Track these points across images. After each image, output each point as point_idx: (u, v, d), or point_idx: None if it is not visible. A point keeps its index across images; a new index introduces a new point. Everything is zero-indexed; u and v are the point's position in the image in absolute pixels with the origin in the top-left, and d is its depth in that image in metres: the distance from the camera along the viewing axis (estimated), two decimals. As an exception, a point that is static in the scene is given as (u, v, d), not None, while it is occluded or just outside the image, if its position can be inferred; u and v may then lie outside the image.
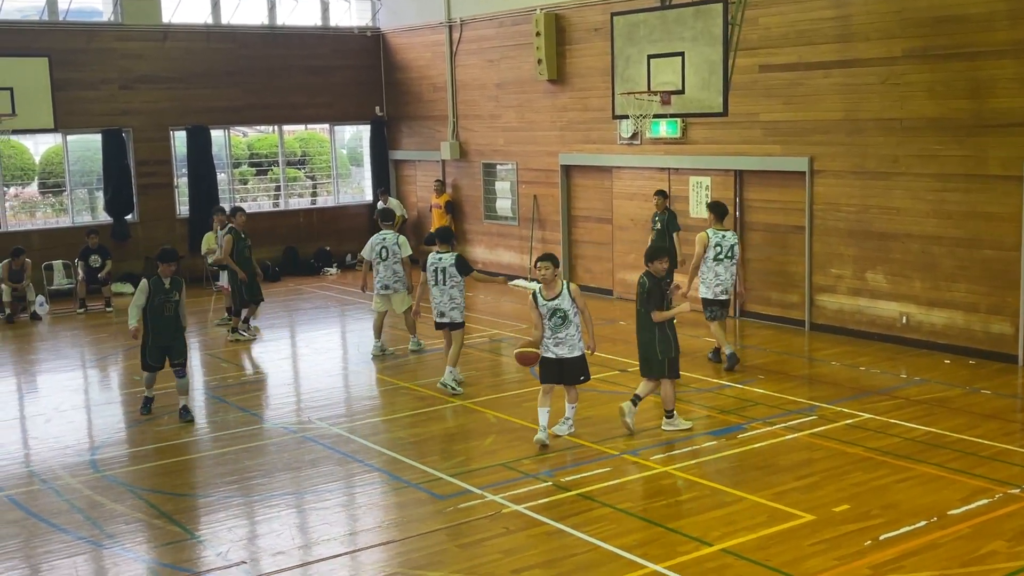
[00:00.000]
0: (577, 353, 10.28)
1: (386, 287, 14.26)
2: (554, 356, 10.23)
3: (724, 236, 13.04)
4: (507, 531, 8.20)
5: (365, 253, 14.53)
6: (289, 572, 7.63)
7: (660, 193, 15.80)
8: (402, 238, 14.46)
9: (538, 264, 10.20)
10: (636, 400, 10.55)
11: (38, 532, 8.48)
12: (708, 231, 13.12)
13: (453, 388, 12.26)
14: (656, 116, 14.58)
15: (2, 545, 8.24)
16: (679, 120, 16.45)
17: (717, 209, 13.25)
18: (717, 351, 13.35)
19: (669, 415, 10.58)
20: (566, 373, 10.30)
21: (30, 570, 7.83)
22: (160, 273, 11.45)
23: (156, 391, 11.96)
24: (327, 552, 7.97)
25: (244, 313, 15.97)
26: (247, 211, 16.51)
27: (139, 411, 11.84)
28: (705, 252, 13.00)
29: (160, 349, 11.54)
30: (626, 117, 14.97)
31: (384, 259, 14.20)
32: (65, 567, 7.79)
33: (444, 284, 12.50)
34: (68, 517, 8.75)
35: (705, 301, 13.15)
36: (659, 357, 10.41)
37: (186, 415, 11.58)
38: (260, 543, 8.22)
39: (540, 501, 8.76)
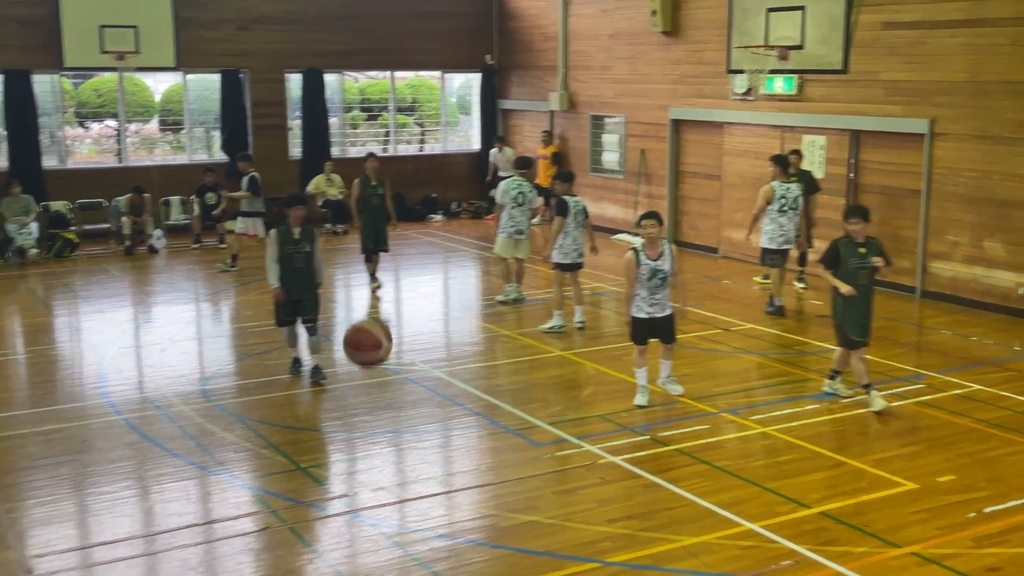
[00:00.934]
0: (669, 312, 10.18)
1: (520, 232, 14.25)
2: (646, 316, 10.07)
3: (788, 188, 13.55)
4: (603, 481, 8.26)
5: (498, 198, 14.31)
6: (387, 508, 7.82)
7: (795, 153, 15.07)
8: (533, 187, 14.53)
9: (643, 222, 10.00)
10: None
11: (152, 455, 8.84)
12: (773, 184, 13.55)
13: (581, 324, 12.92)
14: (772, 72, 14.31)
15: (119, 466, 8.63)
16: (795, 76, 16.08)
17: (781, 162, 13.75)
18: (772, 299, 13.82)
19: (831, 376, 10.39)
20: (661, 331, 10.20)
21: (144, 491, 8.19)
22: (289, 221, 10.52)
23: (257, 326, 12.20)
24: (425, 491, 8.14)
25: (369, 267, 15.47)
26: (376, 155, 15.61)
27: (288, 371, 11.06)
28: (769, 204, 13.53)
29: (292, 303, 10.72)
30: (741, 72, 14.75)
31: (520, 204, 14.21)
32: (176, 490, 8.13)
33: (582, 227, 12.85)
34: (180, 443, 9.11)
35: (767, 251, 13.71)
36: (834, 321, 10.24)
37: (318, 375, 10.83)
38: (361, 478, 8.44)
39: (637, 454, 8.79)
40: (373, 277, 15.49)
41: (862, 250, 9.66)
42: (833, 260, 9.83)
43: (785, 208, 13.46)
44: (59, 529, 7.56)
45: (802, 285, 15.00)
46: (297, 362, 11.08)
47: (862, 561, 6.85)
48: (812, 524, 7.43)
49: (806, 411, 9.96)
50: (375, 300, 15.02)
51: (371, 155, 15.55)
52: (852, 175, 15.61)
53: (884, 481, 8.19)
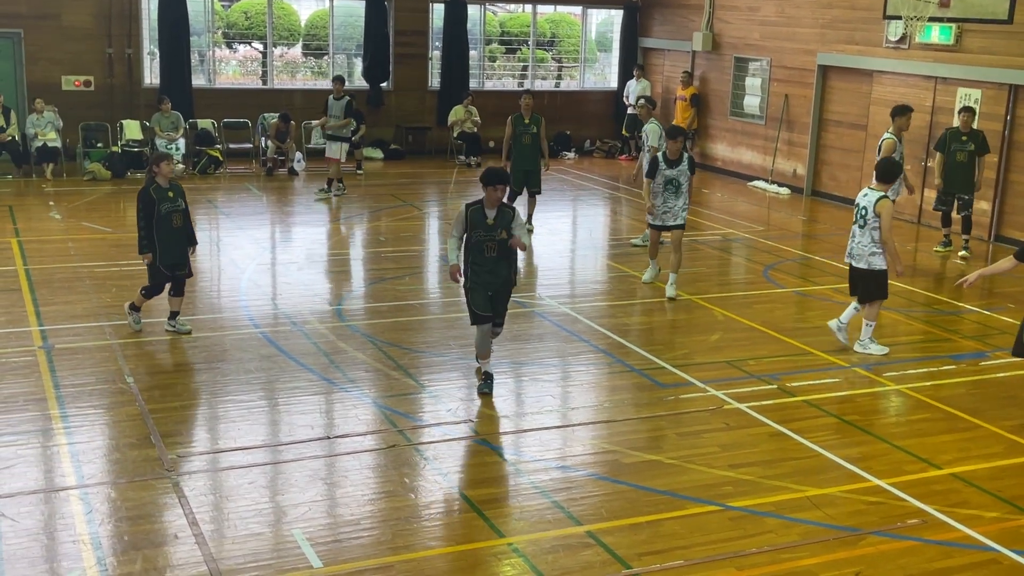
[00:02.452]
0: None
1: None
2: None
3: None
4: (727, 427, 8.20)
5: (652, 140, 13.83)
6: (509, 436, 7.95)
7: (967, 110, 14.11)
8: (650, 127, 14.22)
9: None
10: None
11: (287, 368, 9.14)
12: (894, 137, 13.19)
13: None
14: (931, 19, 13.69)
15: (255, 376, 8.95)
16: (954, 26, 15.36)
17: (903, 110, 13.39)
18: None
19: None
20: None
21: (277, 402, 8.48)
22: (485, 202, 8.45)
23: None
24: (548, 422, 8.22)
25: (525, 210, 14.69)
26: (531, 92, 15.21)
27: (478, 389, 8.75)
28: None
29: (483, 291, 8.61)
30: (898, 18, 14.13)
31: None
32: (309, 403, 8.40)
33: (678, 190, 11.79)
34: (314, 359, 9.38)
35: None
36: None
37: (485, 387, 8.74)
38: (488, 405, 8.56)
39: (763, 402, 8.69)
40: (528, 219, 14.84)
41: None
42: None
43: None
44: (197, 432, 7.92)
45: (964, 252, 14.11)
46: (489, 378, 8.81)
47: (993, 526, 6.66)
48: (942, 485, 7.26)
49: (943, 371, 9.67)
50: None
51: (527, 92, 15.02)
52: (1007, 132, 14.90)
53: (1020, 448, 7.92)
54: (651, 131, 13.95)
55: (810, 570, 6.08)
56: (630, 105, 21.80)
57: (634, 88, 21.84)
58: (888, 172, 9.90)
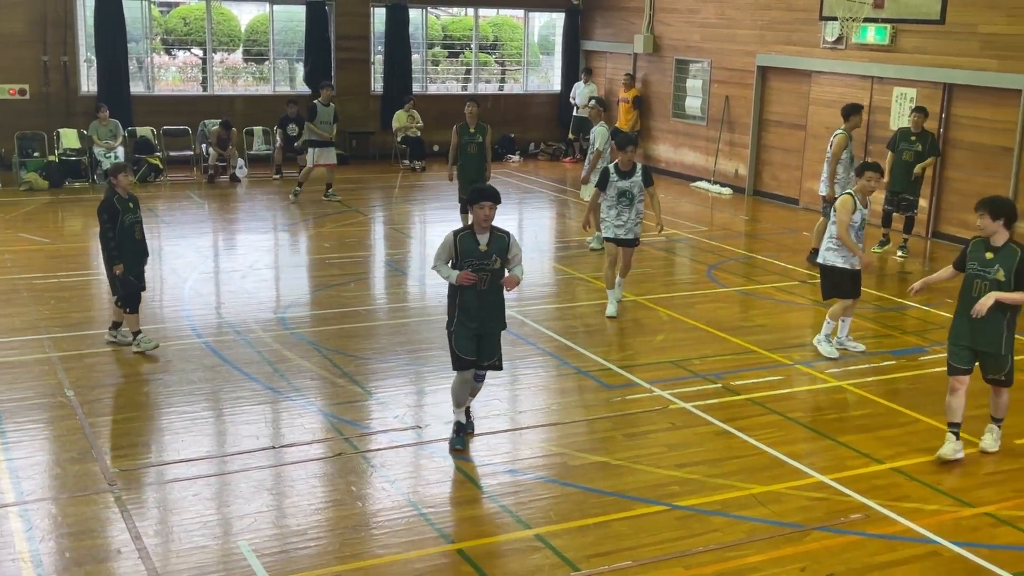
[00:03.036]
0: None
1: None
2: (851, 268, 9.83)
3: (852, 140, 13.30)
4: (673, 427, 8.26)
5: (599, 143, 13.85)
6: (459, 441, 7.92)
7: (920, 110, 14.05)
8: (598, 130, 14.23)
9: (868, 173, 9.71)
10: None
11: (231, 378, 9.04)
12: (846, 133, 13.15)
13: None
14: (866, 20, 13.90)
15: (199, 387, 8.85)
16: (888, 26, 15.63)
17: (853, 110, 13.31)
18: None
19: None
20: (855, 286, 9.99)
21: (222, 413, 8.39)
22: (475, 225, 7.55)
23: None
24: (495, 426, 8.22)
25: (464, 219, 13.82)
26: (476, 101, 14.30)
27: (450, 444, 7.78)
28: (842, 154, 13.09)
29: (470, 333, 7.59)
30: (834, 19, 14.33)
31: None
32: (254, 413, 8.32)
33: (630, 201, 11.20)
34: (259, 368, 9.30)
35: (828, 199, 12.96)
36: None
37: (459, 442, 7.78)
38: (432, 411, 8.54)
39: (708, 401, 8.77)
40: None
41: (989, 254, 7.54)
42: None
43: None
44: (140, 445, 7.80)
45: (901, 254, 14.22)
46: (461, 428, 7.90)
47: (934, 519, 6.78)
48: (884, 479, 7.37)
49: (884, 367, 9.82)
50: None
51: (471, 100, 14.51)
52: (942, 130, 15.19)
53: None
54: (599, 133, 13.96)
55: (756, 567, 6.15)
56: (577, 107, 21.92)
57: (581, 91, 21.93)
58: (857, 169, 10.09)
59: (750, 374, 9.48)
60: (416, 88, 22.17)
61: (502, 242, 7.59)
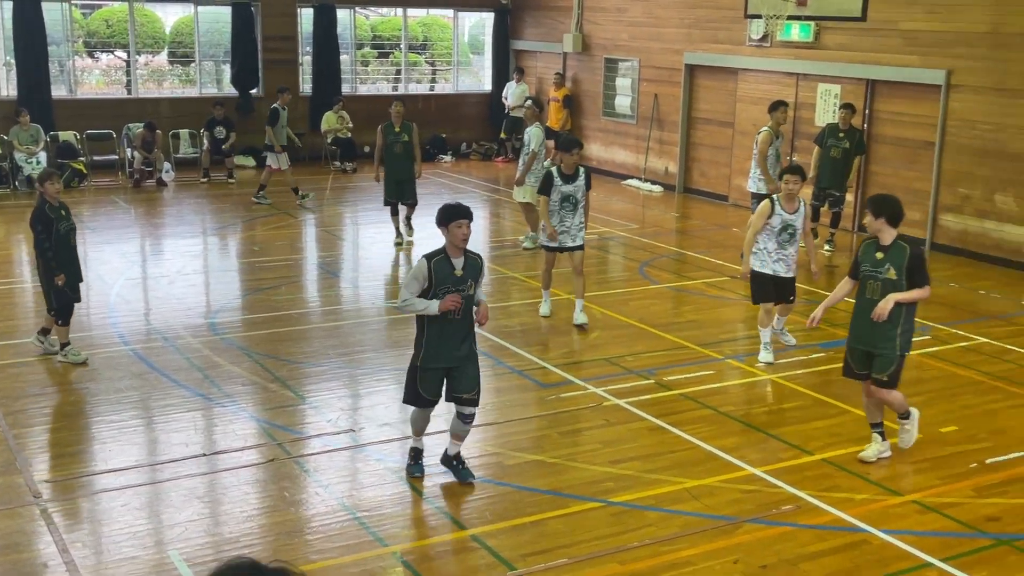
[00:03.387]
0: (793, 273, 9.79)
1: None
2: (772, 273, 9.60)
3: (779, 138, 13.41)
4: (607, 423, 8.31)
5: (533, 144, 13.71)
6: (393, 443, 7.87)
7: (848, 107, 14.13)
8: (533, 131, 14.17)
9: (785, 176, 9.55)
10: None
11: (159, 386, 8.89)
12: (770, 130, 13.27)
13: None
14: (790, 17, 14.11)
15: (126, 395, 8.68)
16: (812, 24, 15.89)
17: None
18: None
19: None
20: (781, 291, 9.79)
21: (152, 421, 8.24)
22: (448, 248, 6.89)
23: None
24: (431, 428, 8.17)
25: (395, 220, 14.33)
26: (402, 100, 14.48)
27: (408, 471, 7.30)
28: (768, 150, 13.23)
29: (439, 371, 6.96)
30: (759, 17, 14.52)
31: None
32: (183, 420, 8.18)
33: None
34: (187, 374, 9.15)
35: (758, 196, 13.03)
36: None
37: (416, 470, 7.28)
38: (367, 414, 8.49)
39: (642, 397, 8.83)
40: (398, 232, 14.31)
41: (879, 254, 7.49)
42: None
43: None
44: (66, 456, 7.63)
45: (828, 248, 14.37)
46: (418, 455, 7.37)
47: (863, 508, 6.90)
48: (814, 471, 7.48)
49: (813, 359, 9.98)
50: (398, 254, 14.13)
51: (397, 99, 14.53)
52: (866, 125, 15.48)
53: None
54: (534, 135, 13.80)
55: (690, 561, 6.20)
56: (509, 108, 21.93)
57: (513, 90, 21.95)
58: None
59: (682, 369, 9.57)
60: (346, 89, 22.03)
61: (476, 265, 6.94)
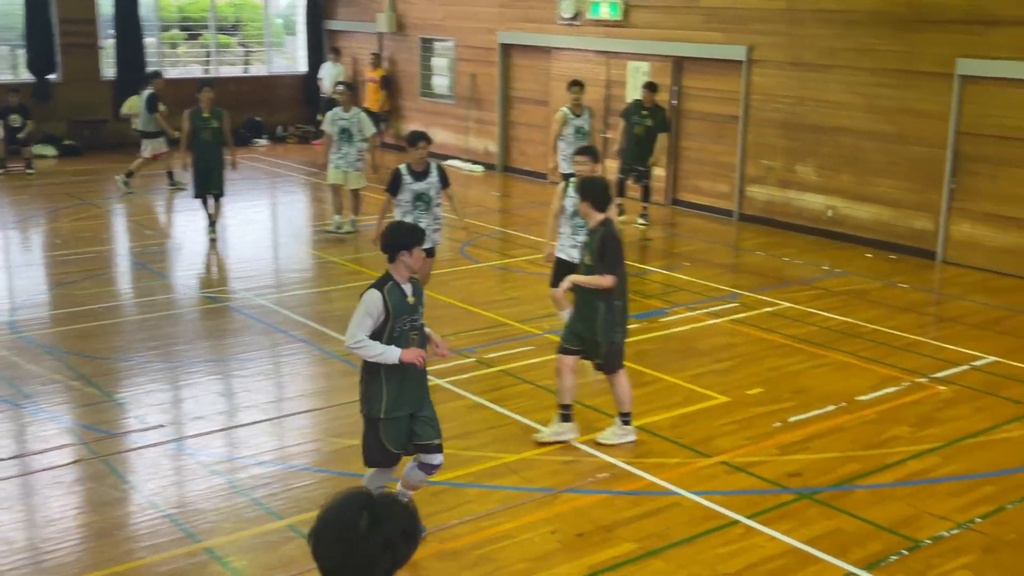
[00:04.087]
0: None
1: (350, 164, 13.84)
2: (567, 259, 9.18)
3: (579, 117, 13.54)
4: (428, 403, 8.27)
5: (326, 127, 13.68)
6: (209, 436, 7.64)
7: (649, 86, 14.34)
8: (362, 115, 14.00)
9: (576, 157, 9.23)
10: None
11: (-48, 390, 8.37)
12: (565, 110, 13.55)
13: None
14: (598, -4, 14.34)
15: (-86, 402, 8.13)
16: (621, 2, 16.21)
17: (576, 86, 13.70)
18: None
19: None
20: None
21: (-57, 427, 7.75)
22: (396, 273, 5.93)
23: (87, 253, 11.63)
24: (248, 418, 7.99)
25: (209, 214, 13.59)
26: (211, 86, 13.66)
27: None
28: (562, 130, 13.53)
29: (405, 419, 6.02)
30: (568, -5, 14.70)
31: (348, 139, 13.64)
32: (-21, 425, 7.73)
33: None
34: (-17, 376, 8.64)
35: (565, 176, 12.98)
36: None
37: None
38: (180, 408, 8.22)
39: (463, 376, 8.84)
40: (211, 225, 13.59)
41: (586, 238, 7.52)
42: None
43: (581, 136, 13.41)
44: None
45: (642, 222, 14.59)
46: None
47: (675, 471, 7.11)
48: (629, 438, 7.66)
49: (628, 330, 10.18)
50: (212, 247, 13.41)
51: (205, 85, 13.69)
52: (675, 101, 15.92)
53: (698, 395, 8.51)
54: (363, 120, 13.76)
55: (509, 534, 6.25)
56: (327, 91, 21.51)
57: (330, 72, 21.55)
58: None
59: (503, 346, 9.64)
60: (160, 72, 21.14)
61: (420, 288, 6.08)
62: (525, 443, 7.54)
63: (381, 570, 2.55)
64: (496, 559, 5.98)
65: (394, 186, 9.74)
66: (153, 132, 16.59)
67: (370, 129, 13.86)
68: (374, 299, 5.81)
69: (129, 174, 16.46)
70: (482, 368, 9.07)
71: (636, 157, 14.38)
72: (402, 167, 9.81)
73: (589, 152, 9.08)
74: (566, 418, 7.59)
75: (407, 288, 5.92)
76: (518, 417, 8.01)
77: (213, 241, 13.53)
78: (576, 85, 13.66)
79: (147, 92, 16.63)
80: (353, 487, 2.70)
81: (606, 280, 7.17)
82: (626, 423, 7.57)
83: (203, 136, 13.37)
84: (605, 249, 7.18)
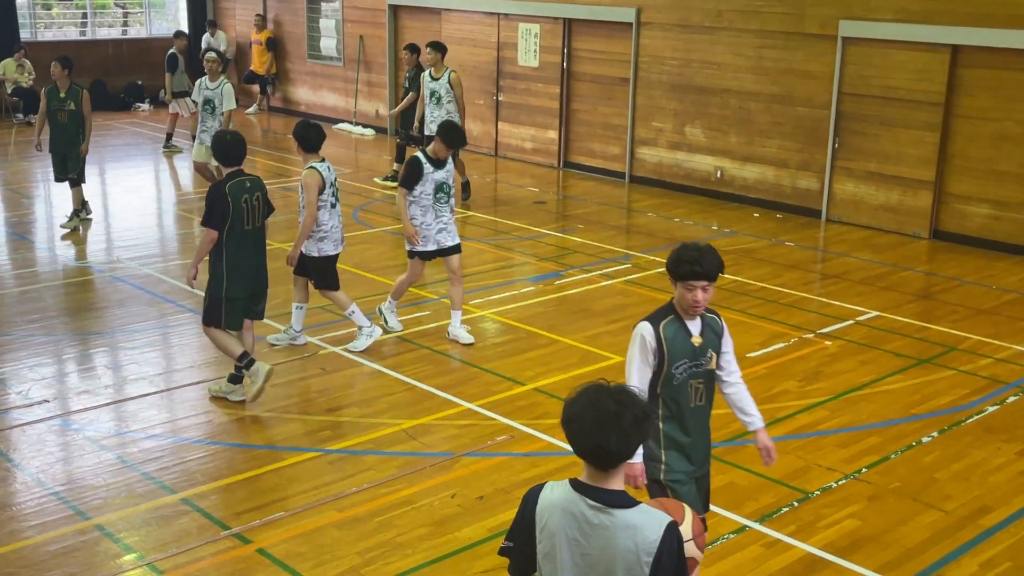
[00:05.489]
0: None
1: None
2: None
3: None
4: (323, 371, 8.18)
5: (195, 95, 13.09)
6: (96, 411, 7.42)
7: (411, 48, 14.61)
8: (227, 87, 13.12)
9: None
10: None
11: None
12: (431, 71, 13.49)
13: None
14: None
15: None
16: (510, -36, 16.12)
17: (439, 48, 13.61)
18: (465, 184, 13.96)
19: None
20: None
21: None
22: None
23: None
24: (137, 391, 7.78)
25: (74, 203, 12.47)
26: (68, 60, 12.17)
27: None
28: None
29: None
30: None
31: (212, 111, 13.00)
32: None
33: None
34: None
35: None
36: None
37: None
38: (65, 382, 7.96)
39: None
40: (76, 210, 12.42)
41: None
42: None
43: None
44: None
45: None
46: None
47: (573, 432, 7.16)
48: (526, 400, 7.70)
49: (523, 294, 10.23)
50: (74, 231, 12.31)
51: (58, 61, 12.13)
52: (565, 64, 15.93)
53: (593, 356, 8.58)
54: (228, 92, 12.80)
55: (408, 500, 6.23)
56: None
57: (209, 42, 20.87)
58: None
59: (399, 312, 9.54)
60: (25, 35, 20.31)
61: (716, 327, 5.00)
62: (422, 408, 7.51)
63: (635, 443, 3.05)
64: (397, 525, 5.96)
65: (413, 178, 8.52)
66: (183, 91, 16.74)
67: (230, 103, 12.82)
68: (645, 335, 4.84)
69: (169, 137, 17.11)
70: (383, 334, 8.97)
71: (404, 122, 14.83)
72: (421, 156, 8.61)
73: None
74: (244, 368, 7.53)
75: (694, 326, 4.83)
76: (415, 383, 7.97)
77: (74, 228, 12.30)
78: (415, 49, 14.09)
79: (170, 51, 17.07)
80: (588, 383, 3.14)
81: (201, 237, 7.67)
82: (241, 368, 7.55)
83: (58, 118, 12.05)
84: (206, 202, 7.58)
